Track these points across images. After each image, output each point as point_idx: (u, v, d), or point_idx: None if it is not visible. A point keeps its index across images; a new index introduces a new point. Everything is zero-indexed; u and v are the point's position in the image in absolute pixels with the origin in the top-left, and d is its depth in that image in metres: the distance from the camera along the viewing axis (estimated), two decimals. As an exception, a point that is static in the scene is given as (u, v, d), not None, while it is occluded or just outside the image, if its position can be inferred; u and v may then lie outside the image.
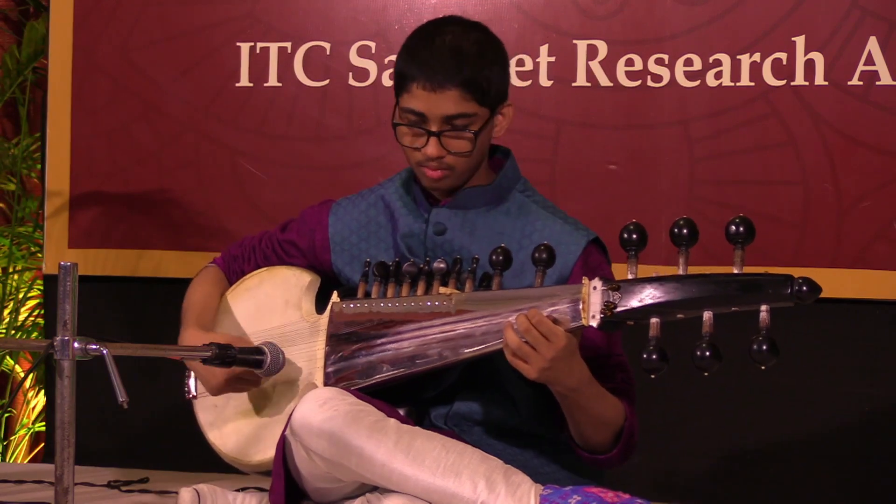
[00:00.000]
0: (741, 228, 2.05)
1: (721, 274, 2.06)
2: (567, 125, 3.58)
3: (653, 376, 2.08)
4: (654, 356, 2.07)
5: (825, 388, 3.42)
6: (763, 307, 2.02)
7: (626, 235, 2.15)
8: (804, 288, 2.00)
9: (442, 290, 2.38)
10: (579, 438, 2.36)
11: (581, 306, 2.16)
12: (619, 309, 2.12)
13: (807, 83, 3.42)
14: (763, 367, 2.02)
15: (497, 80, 2.44)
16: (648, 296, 2.10)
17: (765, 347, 2.00)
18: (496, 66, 2.45)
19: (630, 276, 2.14)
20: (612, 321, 2.13)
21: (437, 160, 2.43)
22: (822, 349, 3.42)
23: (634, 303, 2.11)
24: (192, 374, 2.65)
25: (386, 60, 3.67)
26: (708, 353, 2.03)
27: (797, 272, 2.06)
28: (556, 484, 2.23)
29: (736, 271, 2.05)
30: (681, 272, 2.09)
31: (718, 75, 3.48)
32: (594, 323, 2.14)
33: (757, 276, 2.04)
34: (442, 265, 2.40)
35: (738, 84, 3.47)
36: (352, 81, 3.73)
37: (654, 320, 2.10)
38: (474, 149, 2.43)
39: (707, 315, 2.06)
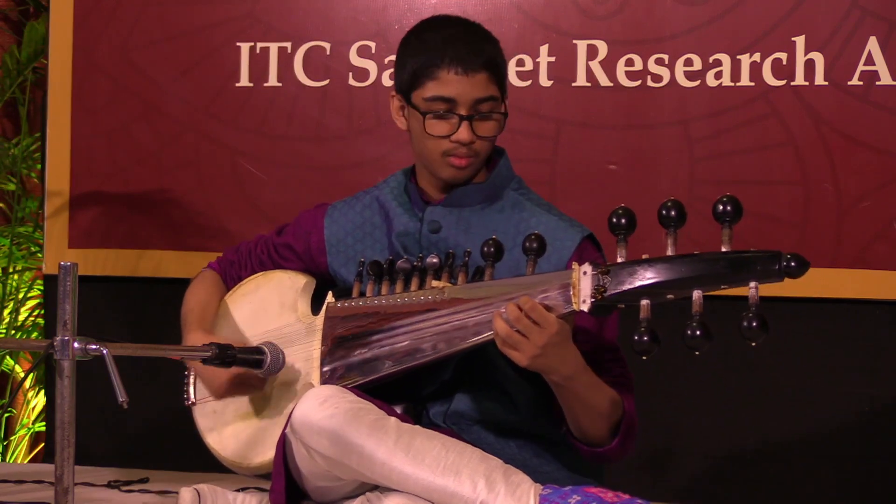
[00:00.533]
0: (728, 207, 2.04)
1: (710, 252, 2.05)
2: (567, 125, 3.58)
3: (644, 358, 2.06)
4: (644, 338, 2.05)
5: (825, 388, 3.41)
6: (752, 284, 2.01)
7: (614, 220, 2.14)
8: (792, 263, 1.99)
9: (434, 283, 2.38)
10: (578, 431, 2.35)
11: (572, 291, 2.16)
12: (609, 292, 2.11)
13: (807, 83, 3.42)
14: (753, 344, 2.00)
15: (505, 69, 2.49)
16: (639, 277, 2.09)
17: (755, 324, 1.98)
18: (502, 55, 2.50)
19: (620, 260, 2.13)
20: (603, 305, 2.12)
21: (468, 146, 2.43)
22: (822, 349, 3.41)
23: (625, 285, 2.10)
24: (192, 380, 2.66)
25: (386, 60, 3.67)
26: (699, 333, 2.01)
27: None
28: (555, 483, 2.23)
29: (724, 250, 2.04)
30: (669, 253, 2.08)
31: (718, 75, 3.48)
32: (585, 307, 2.13)
33: (745, 253, 2.03)
34: (434, 260, 2.40)
35: (738, 84, 3.47)
36: (352, 81, 3.73)
37: (643, 302, 2.08)
38: (500, 131, 2.46)
39: (697, 294, 2.04)
